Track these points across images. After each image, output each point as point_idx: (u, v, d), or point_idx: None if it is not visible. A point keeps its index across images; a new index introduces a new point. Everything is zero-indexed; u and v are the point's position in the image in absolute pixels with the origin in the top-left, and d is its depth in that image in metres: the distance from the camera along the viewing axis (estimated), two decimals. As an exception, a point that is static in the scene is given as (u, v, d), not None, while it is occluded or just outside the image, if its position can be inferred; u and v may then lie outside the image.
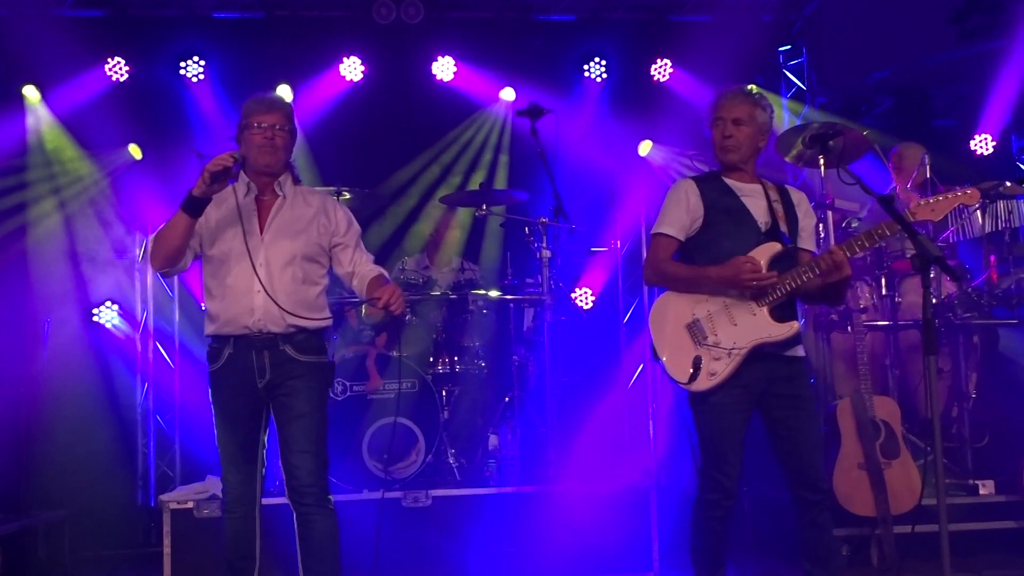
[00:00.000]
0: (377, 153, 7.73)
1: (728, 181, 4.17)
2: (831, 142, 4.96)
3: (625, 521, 5.37)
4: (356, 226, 4.24)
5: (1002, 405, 6.19)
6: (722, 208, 4.10)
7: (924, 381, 3.46)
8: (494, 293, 6.33)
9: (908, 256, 5.89)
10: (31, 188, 7.31)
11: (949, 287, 6.04)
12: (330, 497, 4.01)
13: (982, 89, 7.85)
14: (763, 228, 4.08)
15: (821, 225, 5.84)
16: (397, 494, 5.34)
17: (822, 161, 5.69)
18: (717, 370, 3.98)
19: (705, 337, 4.02)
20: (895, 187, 6.69)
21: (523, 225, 6.21)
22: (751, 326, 3.99)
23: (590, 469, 5.98)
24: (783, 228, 4.09)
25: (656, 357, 4.11)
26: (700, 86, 7.82)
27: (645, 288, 7.36)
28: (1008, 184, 6.07)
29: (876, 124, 8.35)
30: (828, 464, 5.21)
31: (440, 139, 7.91)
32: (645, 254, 7.33)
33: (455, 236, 7.15)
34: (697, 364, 3.99)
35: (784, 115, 8.04)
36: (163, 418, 7.16)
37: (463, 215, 7.24)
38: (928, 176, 6.23)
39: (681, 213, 4.13)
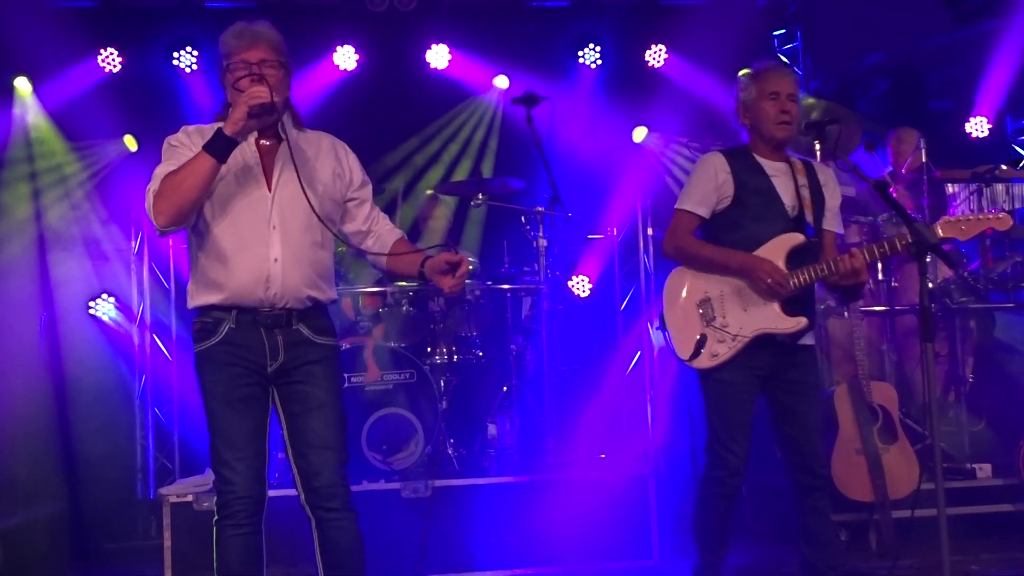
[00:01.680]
0: (372, 142, 7.69)
1: (758, 158, 4.11)
2: (828, 128, 4.94)
3: (624, 508, 5.38)
4: (368, 179, 3.67)
5: (999, 389, 6.21)
6: (752, 188, 4.05)
7: (921, 366, 3.46)
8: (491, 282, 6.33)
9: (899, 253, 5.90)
10: (23, 181, 7.29)
11: (945, 272, 6.05)
12: (351, 500, 3.46)
13: (977, 71, 7.84)
14: (791, 213, 4.04)
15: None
16: (396, 485, 5.35)
17: (818, 147, 5.68)
18: (719, 352, 3.99)
19: (714, 317, 4.02)
20: (891, 171, 6.69)
21: (519, 214, 6.20)
22: (760, 314, 3.99)
23: (589, 457, 6.00)
24: (808, 216, 4.05)
25: (663, 326, 4.12)
26: (695, 71, 7.81)
27: (642, 275, 7.37)
28: (1004, 167, 6.09)
29: (871, 107, 8.35)
30: (826, 450, 5.21)
31: (436, 128, 7.90)
32: (642, 241, 7.35)
33: (439, 225, 7.08)
34: (701, 343, 4.01)
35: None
36: (161, 410, 7.16)
37: (451, 204, 7.21)
38: (924, 160, 6.22)
39: (709, 189, 4.08)
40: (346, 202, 3.56)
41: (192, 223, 3.40)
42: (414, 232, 6.98)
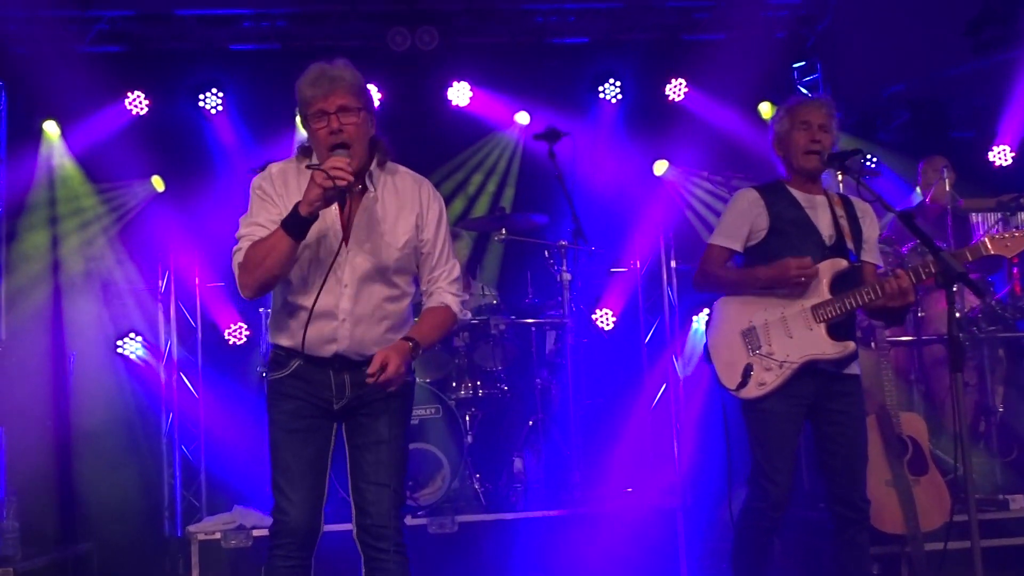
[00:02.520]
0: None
1: (793, 191, 4.13)
2: (848, 160, 4.95)
3: (652, 542, 5.35)
4: (445, 225, 3.51)
5: (1030, 418, 6.14)
6: (787, 219, 4.07)
7: (951, 396, 3.43)
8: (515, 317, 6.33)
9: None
10: (52, 223, 7.39)
11: (972, 300, 6.01)
12: (403, 541, 3.42)
13: (999, 100, 7.83)
14: (828, 242, 4.05)
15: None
16: (423, 520, 5.33)
17: (840, 178, 5.68)
18: (766, 380, 3.97)
19: (759, 346, 4.01)
20: (924, 201, 6.67)
21: (542, 248, 6.22)
22: (806, 341, 3.97)
23: (616, 491, 5.98)
24: (849, 244, 4.05)
25: (708, 360, 4.11)
26: (715, 105, 7.83)
27: (666, 308, 7.37)
28: (1029, 196, 6.06)
29: (893, 138, 8.34)
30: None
31: (456, 164, 7.95)
32: (665, 274, 7.35)
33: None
34: (747, 372, 3.99)
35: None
36: (188, 448, 7.19)
37: (468, 240, 7.21)
38: (948, 189, 6.21)
39: (741, 224, 4.10)
40: (418, 254, 3.47)
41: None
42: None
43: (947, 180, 6.27)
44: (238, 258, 3.30)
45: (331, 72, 3.32)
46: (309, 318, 3.28)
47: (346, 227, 3.32)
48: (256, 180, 3.42)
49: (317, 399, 3.37)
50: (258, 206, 3.36)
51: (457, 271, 3.55)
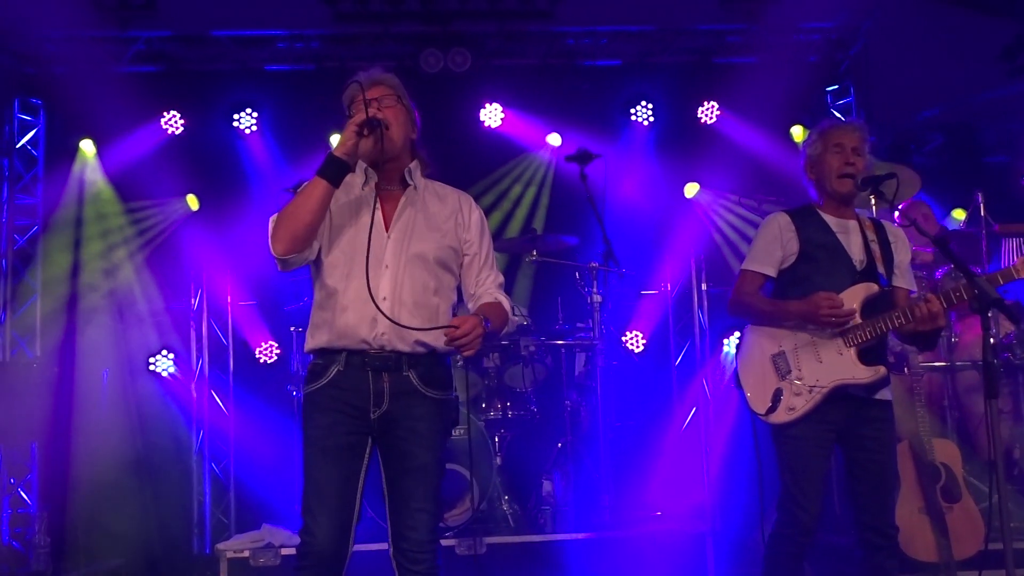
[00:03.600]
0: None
1: (824, 216, 4.10)
2: (883, 185, 4.92)
3: (682, 566, 5.31)
4: (488, 234, 3.58)
5: (1065, 445, 6.07)
6: (817, 244, 4.04)
7: (986, 423, 3.39)
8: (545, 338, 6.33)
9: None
10: (85, 242, 7.49)
11: (1007, 326, 5.96)
12: (439, 563, 3.37)
13: (1033, 126, 7.79)
14: (859, 266, 4.02)
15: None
16: (451, 541, 5.32)
17: (873, 202, 5.65)
18: (796, 405, 3.94)
19: (789, 371, 3.98)
20: (960, 227, 6.64)
21: (573, 270, 6.22)
22: (836, 365, 3.94)
23: (645, 514, 5.94)
24: (880, 268, 4.02)
25: (738, 386, 4.09)
26: (747, 128, 7.83)
27: (696, 331, 7.34)
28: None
29: (926, 161, 8.30)
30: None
31: (488, 184, 7.98)
32: (696, 297, 7.33)
33: None
34: (777, 397, 3.96)
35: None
36: (218, 466, 7.22)
37: (500, 261, 7.22)
38: (983, 215, 6.16)
39: (773, 249, 4.08)
40: (461, 258, 3.51)
41: (311, 256, 3.36)
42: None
43: (982, 205, 6.23)
44: (274, 218, 3.33)
45: (375, 74, 3.47)
46: (367, 268, 3.25)
47: (387, 219, 3.38)
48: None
49: (353, 409, 3.31)
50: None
51: (502, 279, 3.58)
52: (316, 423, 3.33)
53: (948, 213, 7.09)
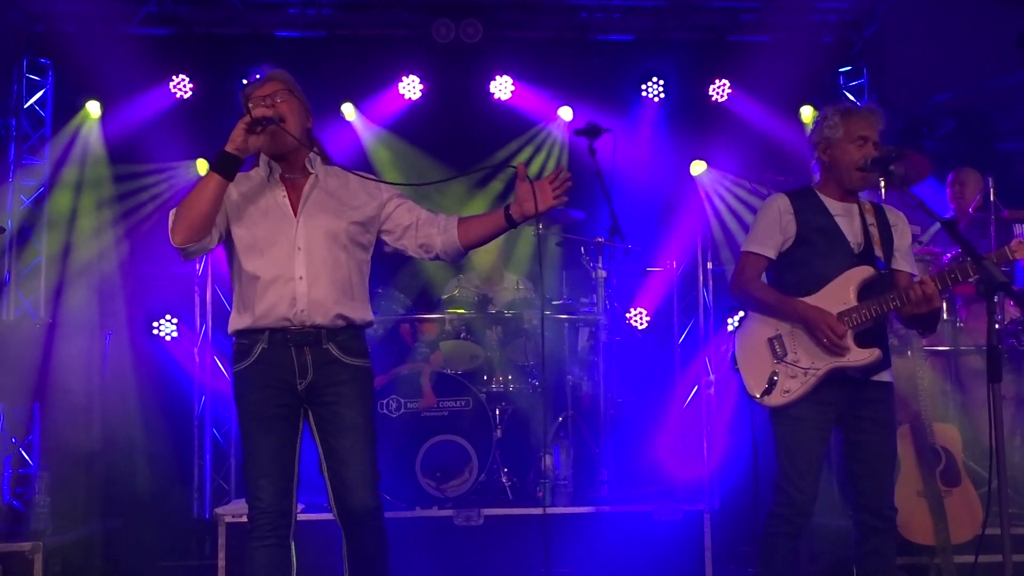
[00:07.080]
0: (435, 171, 7.77)
1: (824, 198, 4.08)
2: (892, 166, 4.90)
3: (679, 543, 5.32)
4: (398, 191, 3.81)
5: (1067, 433, 6.05)
6: (815, 227, 4.02)
7: (988, 407, 3.38)
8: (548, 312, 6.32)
9: (970, 280, 5.80)
10: (92, 203, 7.47)
11: (1013, 312, 5.94)
12: (380, 504, 3.60)
13: (1047, 113, 7.74)
14: (856, 250, 4.00)
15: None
16: (449, 512, 5.34)
17: (883, 184, 5.62)
18: (791, 388, 3.94)
19: (785, 354, 3.97)
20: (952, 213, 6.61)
21: (579, 244, 6.20)
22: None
23: (644, 491, 5.95)
24: (878, 252, 4.01)
25: (735, 367, 4.08)
26: (758, 107, 7.79)
27: (701, 310, 7.33)
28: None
29: (937, 147, 8.25)
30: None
31: (497, 157, 7.95)
32: (701, 275, 7.32)
33: (490, 256, 6.95)
34: (772, 379, 3.96)
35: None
36: (219, 431, 7.23)
37: (511, 233, 7.16)
38: (992, 200, 6.13)
39: (774, 231, 4.06)
40: (385, 216, 3.70)
41: (210, 245, 3.57)
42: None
43: (992, 190, 6.19)
44: (173, 211, 3.53)
45: (268, 72, 3.71)
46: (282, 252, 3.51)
47: (295, 205, 3.59)
48: None
49: (282, 383, 3.52)
50: None
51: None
52: (249, 398, 3.55)
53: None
